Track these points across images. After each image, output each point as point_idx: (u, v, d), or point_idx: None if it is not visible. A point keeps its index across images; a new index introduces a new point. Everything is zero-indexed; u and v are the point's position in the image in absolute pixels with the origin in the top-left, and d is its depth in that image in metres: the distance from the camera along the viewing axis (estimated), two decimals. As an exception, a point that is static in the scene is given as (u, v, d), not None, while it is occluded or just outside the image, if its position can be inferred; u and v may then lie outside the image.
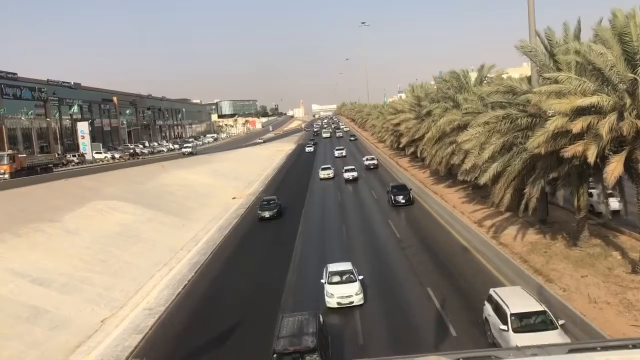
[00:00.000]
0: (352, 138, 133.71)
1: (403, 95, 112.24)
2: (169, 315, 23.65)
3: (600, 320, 17.74)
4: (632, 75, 19.36)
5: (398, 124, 69.72)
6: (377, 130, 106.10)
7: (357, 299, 22.50)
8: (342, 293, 22.53)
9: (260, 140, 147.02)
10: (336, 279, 23.46)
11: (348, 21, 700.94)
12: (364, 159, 76.64)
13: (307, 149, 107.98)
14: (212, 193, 56.39)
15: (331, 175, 63.64)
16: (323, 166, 67.31)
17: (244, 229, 40.49)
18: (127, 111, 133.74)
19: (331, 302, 22.58)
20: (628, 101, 19.58)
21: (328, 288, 23.03)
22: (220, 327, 21.63)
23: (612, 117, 19.15)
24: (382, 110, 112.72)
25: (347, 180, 59.86)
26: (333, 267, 24.50)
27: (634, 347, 3.06)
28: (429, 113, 50.85)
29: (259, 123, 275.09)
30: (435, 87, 56.59)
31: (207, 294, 26.46)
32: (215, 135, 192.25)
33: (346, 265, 24.55)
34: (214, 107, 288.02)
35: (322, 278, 24.08)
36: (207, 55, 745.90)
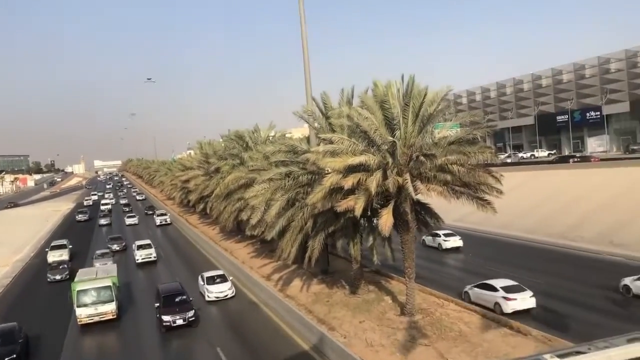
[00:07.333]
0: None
1: (192, 153, 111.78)
2: None
3: (376, 363, 19.11)
4: (391, 138, 21.92)
5: (187, 181, 68.98)
6: (166, 187, 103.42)
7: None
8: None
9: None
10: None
11: (132, 76, 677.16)
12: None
13: None
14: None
15: None
16: None
17: (7, 303, 35.42)
18: None
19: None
20: (390, 160, 22.06)
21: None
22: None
23: (378, 175, 21.29)
24: (170, 166, 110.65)
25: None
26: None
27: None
28: (217, 170, 51.30)
29: (31, 180, 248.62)
30: (223, 145, 57.50)
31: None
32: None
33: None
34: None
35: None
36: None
